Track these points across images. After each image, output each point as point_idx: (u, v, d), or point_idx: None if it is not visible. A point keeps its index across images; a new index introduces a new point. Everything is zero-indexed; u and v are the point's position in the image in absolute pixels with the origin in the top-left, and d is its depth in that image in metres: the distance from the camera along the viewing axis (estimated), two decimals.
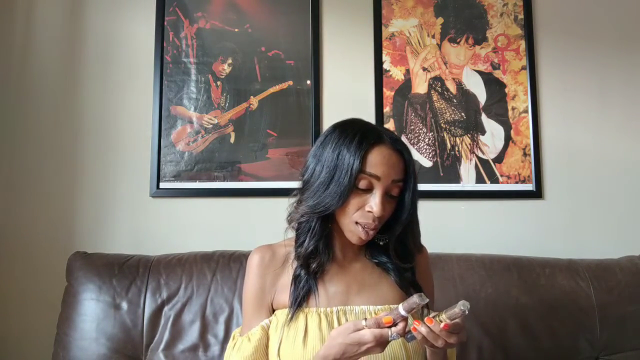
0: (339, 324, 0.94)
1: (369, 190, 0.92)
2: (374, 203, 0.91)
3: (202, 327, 1.34)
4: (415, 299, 0.82)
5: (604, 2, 1.85)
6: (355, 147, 0.91)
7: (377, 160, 0.91)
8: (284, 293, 1.01)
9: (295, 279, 0.99)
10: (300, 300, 0.97)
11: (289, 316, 0.96)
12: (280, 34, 1.77)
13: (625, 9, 1.85)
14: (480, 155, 1.76)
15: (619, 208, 1.76)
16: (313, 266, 0.97)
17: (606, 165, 1.77)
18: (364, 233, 0.94)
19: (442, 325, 0.82)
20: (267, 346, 0.99)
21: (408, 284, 1.01)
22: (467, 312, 0.82)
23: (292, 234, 1.03)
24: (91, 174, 1.67)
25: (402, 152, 0.95)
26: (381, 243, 1.01)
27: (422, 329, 0.82)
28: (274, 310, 1.03)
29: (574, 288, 1.44)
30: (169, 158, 1.70)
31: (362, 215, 0.93)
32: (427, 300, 0.82)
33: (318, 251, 0.97)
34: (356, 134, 0.93)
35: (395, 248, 1.00)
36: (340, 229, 0.99)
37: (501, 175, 1.75)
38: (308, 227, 0.98)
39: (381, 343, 0.82)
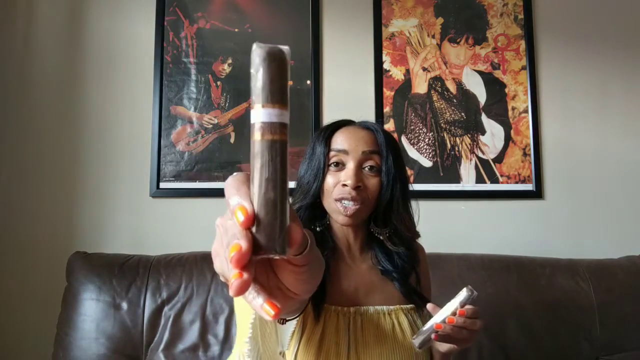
0: (354, 324, 0.93)
1: (342, 166, 0.97)
2: (344, 174, 0.95)
3: (202, 327, 1.34)
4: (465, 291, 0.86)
5: (604, 2, 1.85)
6: (323, 134, 1.00)
7: (342, 137, 0.98)
8: None
9: None
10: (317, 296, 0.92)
11: (315, 314, 0.92)
12: (280, 34, 1.77)
13: (626, 9, 1.85)
14: (480, 155, 1.76)
15: (619, 208, 1.76)
16: None
17: (606, 165, 1.77)
18: (343, 208, 0.95)
19: (457, 313, 0.86)
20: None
21: (413, 293, 1.00)
22: (475, 293, 0.85)
23: None
24: (91, 173, 1.67)
25: (370, 128, 1.00)
26: (381, 237, 1.01)
27: (447, 328, 0.86)
28: None
29: (574, 288, 1.44)
30: (169, 158, 1.70)
31: (340, 191, 0.95)
32: (476, 293, 0.87)
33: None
34: (327, 127, 1.02)
35: (389, 234, 1.01)
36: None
37: (501, 175, 1.75)
38: (299, 218, 0.98)
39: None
